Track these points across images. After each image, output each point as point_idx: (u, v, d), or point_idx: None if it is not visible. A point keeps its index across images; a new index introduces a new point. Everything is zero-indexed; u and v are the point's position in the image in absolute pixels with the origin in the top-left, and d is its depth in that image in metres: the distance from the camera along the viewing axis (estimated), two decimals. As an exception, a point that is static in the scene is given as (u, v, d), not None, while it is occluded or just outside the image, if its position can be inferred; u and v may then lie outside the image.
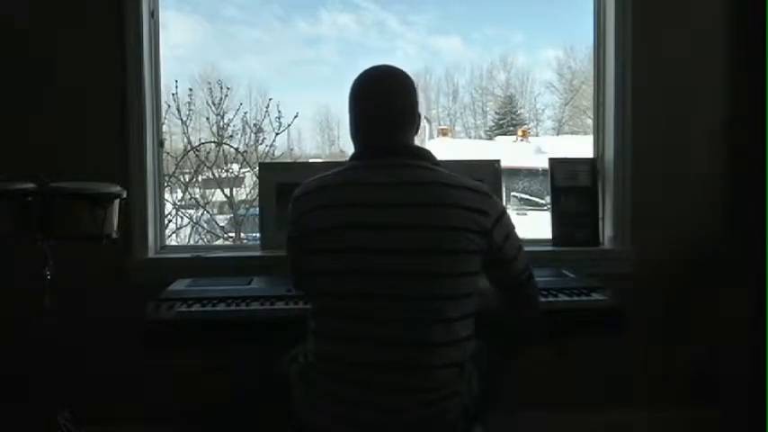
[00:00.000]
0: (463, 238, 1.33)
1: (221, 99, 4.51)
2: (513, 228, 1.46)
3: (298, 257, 1.44)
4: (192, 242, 4.20)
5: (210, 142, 4.50)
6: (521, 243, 1.48)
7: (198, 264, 2.36)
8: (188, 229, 4.39)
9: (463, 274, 1.35)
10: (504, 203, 2.48)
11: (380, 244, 1.31)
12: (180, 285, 2.06)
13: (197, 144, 4.46)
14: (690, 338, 2.51)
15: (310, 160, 4.81)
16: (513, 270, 1.47)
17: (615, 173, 2.48)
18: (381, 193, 1.35)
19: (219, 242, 4.26)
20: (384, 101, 1.44)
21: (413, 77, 1.50)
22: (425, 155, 1.43)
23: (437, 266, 1.32)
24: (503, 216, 1.42)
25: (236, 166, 4.62)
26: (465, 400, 1.39)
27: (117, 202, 1.99)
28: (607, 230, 2.53)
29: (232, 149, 4.55)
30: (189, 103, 4.35)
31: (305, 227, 1.39)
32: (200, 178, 4.59)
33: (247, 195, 4.64)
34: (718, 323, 2.49)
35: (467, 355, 1.39)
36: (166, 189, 3.12)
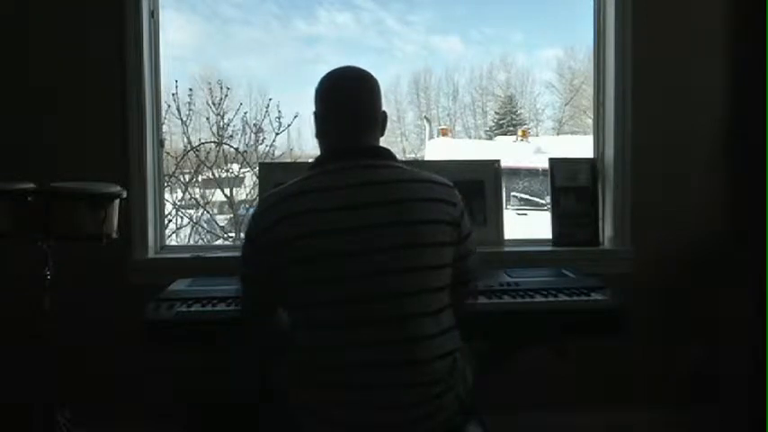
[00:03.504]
0: (438, 230, 1.36)
1: (221, 99, 4.51)
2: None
3: (269, 270, 1.38)
4: (192, 242, 4.20)
5: (210, 142, 4.51)
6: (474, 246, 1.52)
7: (198, 264, 2.36)
8: (188, 229, 4.39)
9: (441, 266, 1.37)
10: (504, 203, 2.49)
11: (363, 245, 1.31)
12: (180, 285, 2.06)
13: (197, 144, 4.46)
14: (690, 338, 2.51)
15: (310, 160, 4.81)
16: (466, 266, 1.49)
17: (615, 173, 2.48)
18: (349, 196, 1.34)
19: (219, 242, 4.26)
20: (349, 103, 1.45)
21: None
22: (388, 154, 1.45)
23: (419, 260, 1.33)
24: (465, 210, 1.46)
25: (236, 166, 4.62)
26: (461, 395, 1.39)
27: (117, 202, 1.99)
28: (607, 230, 2.53)
29: (232, 149, 4.56)
30: (189, 103, 4.35)
31: (273, 240, 1.34)
32: (200, 178, 4.60)
33: (247, 195, 4.64)
34: (718, 323, 2.49)
35: (456, 344, 1.40)
36: (166, 189, 3.12)
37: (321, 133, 1.49)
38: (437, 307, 1.36)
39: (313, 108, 1.50)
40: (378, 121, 1.49)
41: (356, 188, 1.35)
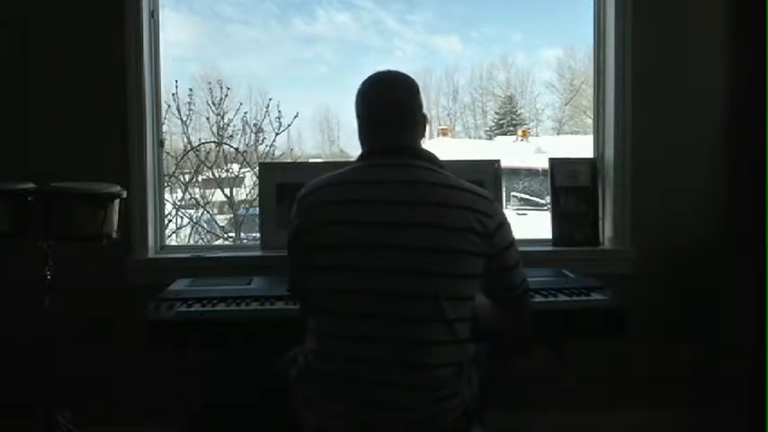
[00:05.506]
0: (464, 238, 1.33)
1: (221, 99, 4.50)
2: (515, 240, 1.47)
3: (297, 255, 1.44)
4: (192, 242, 4.20)
5: (210, 142, 4.50)
6: (520, 257, 1.48)
7: (198, 264, 2.36)
8: (188, 229, 4.39)
9: (463, 275, 1.35)
10: (504, 203, 2.49)
11: (381, 241, 1.32)
12: (180, 285, 2.06)
13: (197, 144, 4.46)
14: (690, 338, 2.51)
15: (310, 160, 4.80)
16: (510, 280, 1.47)
17: (615, 173, 2.48)
18: (382, 191, 1.36)
19: (219, 242, 4.26)
20: (388, 103, 1.48)
21: (413, 77, 1.52)
22: (429, 156, 1.45)
23: (436, 265, 1.32)
24: (505, 223, 1.43)
25: (236, 166, 4.62)
26: (465, 400, 1.39)
27: (117, 202, 1.99)
28: (607, 230, 2.53)
29: (232, 149, 4.55)
30: (189, 103, 4.35)
31: (306, 224, 1.40)
32: (200, 178, 4.59)
33: (247, 195, 4.64)
34: (718, 323, 2.49)
35: (467, 356, 1.40)
36: (166, 189, 3.12)
37: (362, 133, 1.52)
38: (455, 316, 1.34)
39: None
40: (418, 122, 1.49)
41: (391, 185, 1.37)
